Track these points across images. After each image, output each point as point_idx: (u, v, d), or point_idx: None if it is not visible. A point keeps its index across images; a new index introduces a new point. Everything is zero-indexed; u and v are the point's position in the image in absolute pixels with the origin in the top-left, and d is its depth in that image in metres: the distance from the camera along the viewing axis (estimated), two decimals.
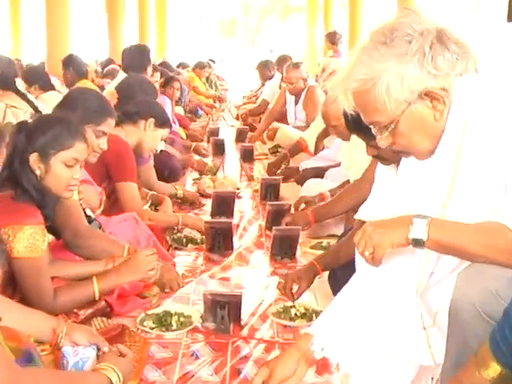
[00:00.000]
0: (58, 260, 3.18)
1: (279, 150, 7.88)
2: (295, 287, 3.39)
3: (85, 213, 3.48)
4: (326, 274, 3.56)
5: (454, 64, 2.04)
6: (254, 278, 3.90)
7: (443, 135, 2.13)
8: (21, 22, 17.40)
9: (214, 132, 8.72)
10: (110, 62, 11.38)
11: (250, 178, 6.55)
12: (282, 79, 9.29)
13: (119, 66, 11.05)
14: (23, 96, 5.11)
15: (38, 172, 2.91)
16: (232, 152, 8.08)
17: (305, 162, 5.93)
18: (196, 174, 6.66)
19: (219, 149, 7.81)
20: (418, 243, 2.08)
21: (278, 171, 6.36)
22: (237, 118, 11.38)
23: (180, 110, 9.91)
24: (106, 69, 10.75)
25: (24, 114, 4.86)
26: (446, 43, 2.04)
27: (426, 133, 2.12)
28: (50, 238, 3.25)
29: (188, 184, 6.37)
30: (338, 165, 5.36)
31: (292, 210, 4.78)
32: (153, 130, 4.52)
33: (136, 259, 3.14)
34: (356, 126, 2.95)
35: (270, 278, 3.90)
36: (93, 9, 19.53)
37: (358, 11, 12.66)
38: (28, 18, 17.17)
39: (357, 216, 3.14)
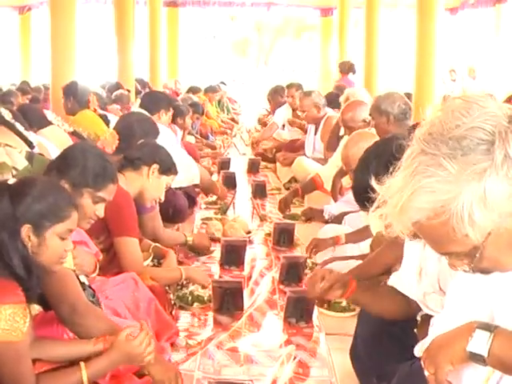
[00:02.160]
0: (42, 339, 2.79)
1: (294, 184, 7.50)
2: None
3: (78, 279, 3.09)
4: (347, 345, 3.14)
5: None
6: (265, 349, 3.50)
7: None
8: (31, 44, 17.17)
9: (225, 164, 8.36)
10: (118, 86, 11.03)
11: (263, 218, 6.16)
12: (294, 109, 9.09)
13: (128, 90, 10.81)
14: (19, 133, 4.72)
15: (29, 245, 2.54)
16: (243, 185, 7.74)
17: (330, 206, 5.53)
18: (204, 213, 6.28)
19: (230, 183, 7.43)
20: (477, 359, 1.71)
21: (302, 216, 6.02)
22: (249, 144, 11.05)
23: (191, 139, 9.56)
24: (115, 93, 10.43)
25: (19, 153, 4.46)
26: None
27: None
28: (37, 308, 2.90)
29: (197, 222, 6.02)
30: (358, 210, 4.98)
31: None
32: (157, 177, 4.13)
33: (131, 346, 2.73)
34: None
35: (283, 350, 3.49)
36: (102, 32, 19.26)
37: (375, 30, 12.26)
38: (37, 39, 16.91)
39: (389, 282, 2.91)
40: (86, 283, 3.20)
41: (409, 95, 8.97)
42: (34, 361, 2.63)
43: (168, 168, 4.19)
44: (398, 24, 19.80)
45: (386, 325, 2.95)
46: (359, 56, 12.88)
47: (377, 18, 12.32)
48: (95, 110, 6.99)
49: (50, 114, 6.17)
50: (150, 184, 4.11)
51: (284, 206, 6.26)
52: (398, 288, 2.88)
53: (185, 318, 3.89)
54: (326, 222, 5.42)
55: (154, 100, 6.29)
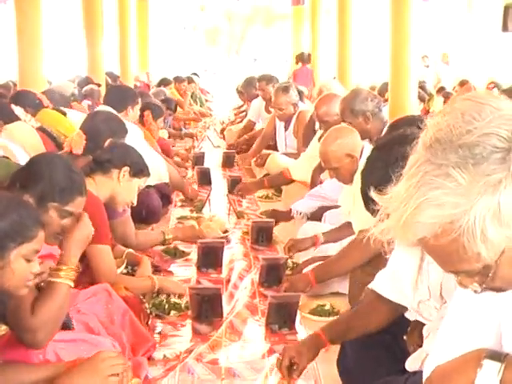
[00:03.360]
0: (7, 364, 2.58)
1: None
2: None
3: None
4: (334, 355, 2.97)
5: None
6: (248, 360, 3.32)
7: None
8: None
9: (199, 159, 8.15)
10: (88, 81, 10.76)
11: (239, 216, 5.98)
12: (266, 101, 8.81)
13: (98, 85, 10.55)
14: None
15: None
16: (219, 180, 7.55)
17: (297, 204, 5.32)
18: (179, 212, 6.09)
19: (205, 179, 7.24)
20: None
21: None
22: (221, 133, 10.89)
23: (164, 134, 9.32)
24: (85, 89, 10.17)
25: None
26: None
27: None
28: (3, 328, 2.70)
29: (172, 221, 5.82)
30: (337, 205, 4.82)
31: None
32: (128, 180, 3.91)
33: (95, 361, 2.54)
34: None
35: (266, 360, 3.32)
36: (69, 24, 18.90)
37: (347, 19, 12.05)
38: (4, 34, 16.56)
39: (371, 285, 2.77)
40: None
41: (385, 85, 8.85)
42: None
43: (140, 170, 3.98)
44: (371, 11, 19.64)
45: (376, 333, 2.79)
46: (332, 45, 12.69)
47: (349, 6, 12.09)
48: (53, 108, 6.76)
49: (17, 110, 5.94)
50: (121, 188, 3.89)
51: (244, 191, 6.34)
52: (385, 295, 2.72)
53: (161, 328, 3.70)
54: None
55: (120, 96, 5.99)
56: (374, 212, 2.53)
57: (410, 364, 2.53)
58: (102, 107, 5.78)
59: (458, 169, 1.32)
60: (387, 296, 2.71)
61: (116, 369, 2.55)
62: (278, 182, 6.35)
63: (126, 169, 3.90)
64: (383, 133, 4.57)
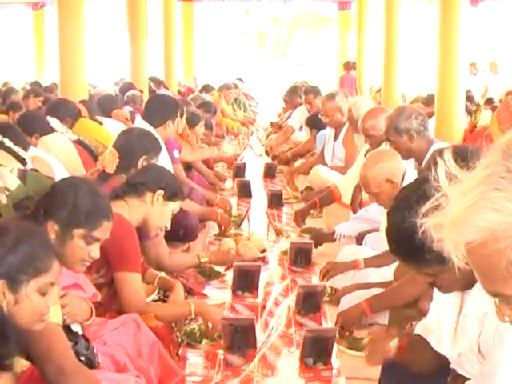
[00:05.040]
0: None
1: (311, 192, 7.16)
2: None
3: (70, 330, 2.77)
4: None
5: None
6: None
7: None
8: (45, 42, 16.86)
9: (240, 170, 8.01)
10: (130, 86, 10.70)
11: (279, 233, 5.82)
12: (308, 110, 8.71)
13: (141, 91, 10.48)
14: (8, 149, 4.40)
15: (4, 304, 2.22)
16: (259, 193, 7.41)
17: (341, 226, 5.14)
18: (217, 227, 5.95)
19: (245, 191, 7.11)
20: None
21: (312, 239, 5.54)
22: (266, 138, 10.80)
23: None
24: (127, 94, 10.11)
25: (10, 171, 4.13)
26: None
27: None
28: (25, 364, 2.58)
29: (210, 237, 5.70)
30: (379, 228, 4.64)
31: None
32: (162, 203, 3.77)
33: None
34: (407, 253, 2.21)
35: None
36: (114, 28, 18.91)
37: (394, 25, 11.79)
38: (51, 36, 16.65)
39: (417, 331, 2.65)
40: (80, 333, 2.88)
41: (431, 96, 8.61)
42: None
43: (174, 193, 3.84)
44: (419, 17, 19.32)
45: (414, 381, 2.63)
46: (378, 51, 12.46)
47: (396, 12, 11.84)
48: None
49: (53, 121, 5.86)
50: (154, 211, 3.75)
51: (300, 218, 5.93)
52: (428, 340, 2.56)
53: (193, 359, 3.56)
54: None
55: (160, 108, 5.64)
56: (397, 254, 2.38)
57: None
58: (139, 121, 5.62)
59: None
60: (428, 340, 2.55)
61: None
62: (328, 202, 6.14)
63: (161, 192, 3.76)
64: (426, 157, 4.38)
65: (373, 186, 4.14)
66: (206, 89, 12.68)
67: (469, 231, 1.21)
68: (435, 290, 2.52)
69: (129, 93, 10.17)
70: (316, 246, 5.16)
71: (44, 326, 2.42)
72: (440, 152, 3.87)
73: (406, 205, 2.26)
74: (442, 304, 2.46)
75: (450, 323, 2.40)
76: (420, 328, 2.64)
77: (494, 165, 1.22)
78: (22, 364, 2.58)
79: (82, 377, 2.54)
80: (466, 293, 2.33)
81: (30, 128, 5.53)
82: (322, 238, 5.26)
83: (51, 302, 2.32)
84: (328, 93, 7.55)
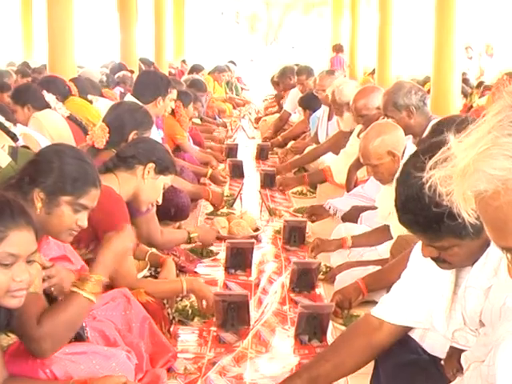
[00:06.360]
0: (13, 380, 2.40)
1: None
2: None
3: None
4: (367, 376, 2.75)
5: None
6: (274, 375, 3.11)
7: None
8: (33, 23, 16.69)
9: (232, 150, 7.96)
10: (121, 67, 10.62)
11: (272, 213, 5.76)
12: (301, 91, 8.64)
13: (131, 71, 10.39)
14: (1, 126, 4.32)
15: None
16: (252, 173, 7.35)
17: (333, 200, 5.09)
18: (210, 206, 5.88)
19: (237, 171, 7.06)
20: None
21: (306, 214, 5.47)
22: (256, 123, 10.73)
23: (197, 122, 9.12)
24: (117, 75, 10.03)
25: (1, 148, 4.07)
26: None
27: None
28: (12, 337, 2.52)
29: (201, 216, 5.64)
30: (375, 206, 4.59)
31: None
32: (153, 177, 3.70)
33: None
34: (421, 222, 2.11)
35: None
36: (103, 8, 18.75)
37: (389, 4, 11.71)
38: (40, 17, 16.49)
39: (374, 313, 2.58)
40: None
41: (427, 79, 8.55)
42: None
43: (166, 167, 3.77)
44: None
45: (412, 352, 2.59)
46: (372, 34, 12.39)
47: None
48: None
49: (49, 96, 5.78)
50: (145, 185, 3.68)
51: (284, 185, 6.12)
52: (399, 323, 2.50)
53: (184, 336, 3.51)
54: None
55: (151, 84, 5.47)
56: (408, 226, 2.30)
57: None
58: (129, 97, 5.52)
59: None
60: (399, 323, 2.49)
61: None
62: (318, 180, 6.11)
63: (152, 165, 3.70)
64: (425, 133, 4.32)
65: (373, 157, 4.09)
66: (196, 69, 12.58)
67: (479, 180, 1.16)
68: (415, 272, 2.45)
69: (119, 73, 10.11)
70: (313, 221, 5.11)
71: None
72: (438, 123, 3.83)
73: (421, 170, 2.20)
74: (430, 283, 2.40)
75: (444, 301, 2.34)
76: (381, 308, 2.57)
77: (505, 110, 1.16)
78: (7, 338, 2.53)
79: (51, 341, 2.46)
80: (464, 268, 2.28)
81: (22, 98, 5.50)
82: (318, 211, 5.18)
83: (20, 277, 2.15)
84: (327, 69, 7.49)
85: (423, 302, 2.42)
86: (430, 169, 1.28)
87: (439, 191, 1.25)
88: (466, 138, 1.22)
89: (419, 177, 2.22)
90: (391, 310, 2.49)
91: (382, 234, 4.22)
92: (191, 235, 4.47)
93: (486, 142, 1.15)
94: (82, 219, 2.81)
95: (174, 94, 5.60)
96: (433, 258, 2.26)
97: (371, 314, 2.53)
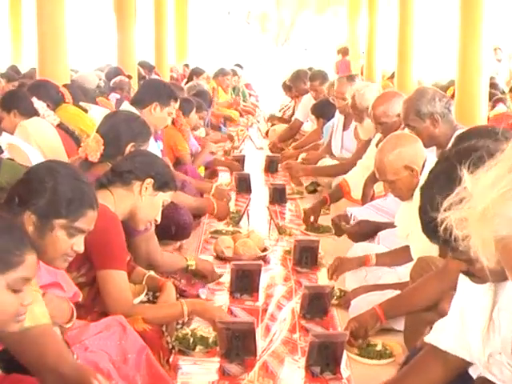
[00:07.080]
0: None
1: (318, 188, 7.18)
2: None
3: None
4: None
5: None
6: None
7: None
8: (22, 25, 16.78)
9: (239, 162, 7.98)
10: (117, 72, 10.66)
11: (281, 231, 5.78)
12: (314, 98, 8.65)
13: (129, 76, 10.44)
14: None
15: None
16: (260, 187, 7.39)
17: (353, 208, 5.11)
18: (214, 224, 5.89)
19: (244, 185, 7.07)
20: None
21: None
22: (266, 134, 10.77)
23: (202, 132, 9.13)
24: (113, 81, 10.08)
25: None
26: None
27: None
28: None
29: (205, 235, 5.66)
30: (394, 225, 4.59)
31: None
32: (151, 194, 3.71)
33: None
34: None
35: None
36: (99, 8, 18.87)
37: (410, 4, 11.74)
38: (29, 20, 16.59)
39: (428, 339, 2.62)
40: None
41: (452, 83, 8.55)
42: None
43: (165, 183, 3.78)
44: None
45: None
46: (391, 34, 12.41)
47: None
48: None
49: (38, 103, 5.80)
50: (143, 203, 3.70)
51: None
52: (445, 348, 2.51)
53: (185, 367, 3.52)
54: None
55: (151, 89, 5.45)
56: (432, 236, 2.30)
57: None
58: (126, 105, 5.52)
59: None
60: (447, 349, 2.50)
61: None
62: (339, 198, 6.09)
63: (150, 181, 3.71)
64: (450, 144, 4.32)
65: (389, 172, 4.08)
66: (196, 73, 12.61)
67: (501, 225, 1.16)
68: (460, 283, 2.46)
69: (116, 79, 10.15)
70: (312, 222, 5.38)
71: (35, 327, 2.37)
72: (460, 136, 3.83)
73: (448, 177, 2.20)
74: (469, 298, 2.40)
75: (481, 320, 2.34)
76: (434, 333, 2.59)
77: None
78: None
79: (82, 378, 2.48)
80: (501, 285, 2.27)
81: (8, 103, 5.53)
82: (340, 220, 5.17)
83: (28, 301, 2.25)
84: (347, 75, 7.49)
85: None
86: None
87: (455, 235, 1.25)
88: (484, 174, 1.22)
89: (445, 183, 2.24)
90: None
91: (406, 253, 4.21)
92: (189, 262, 4.45)
93: (507, 183, 1.15)
94: (78, 244, 2.82)
95: (173, 107, 5.49)
96: (464, 272, 2.27)
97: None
